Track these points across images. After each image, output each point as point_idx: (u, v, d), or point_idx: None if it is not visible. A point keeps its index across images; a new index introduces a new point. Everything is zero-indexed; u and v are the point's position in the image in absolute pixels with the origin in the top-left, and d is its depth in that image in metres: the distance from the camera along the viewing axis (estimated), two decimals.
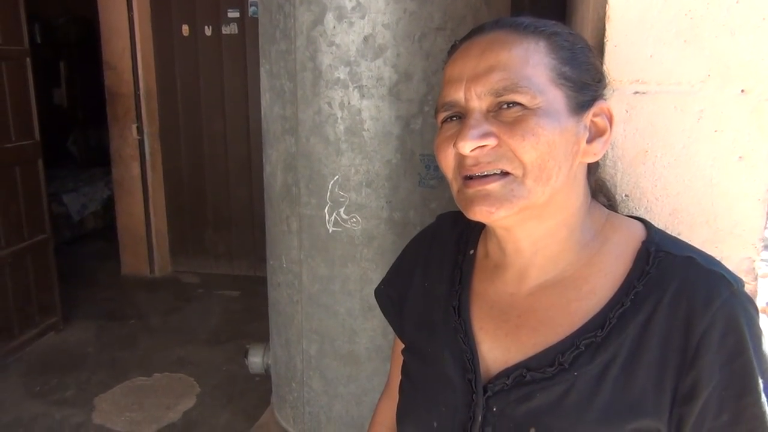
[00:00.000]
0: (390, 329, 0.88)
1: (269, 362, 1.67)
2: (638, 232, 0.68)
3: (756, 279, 0.83)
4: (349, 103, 1.22)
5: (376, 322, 1.32)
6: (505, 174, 0.61)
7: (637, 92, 0.83)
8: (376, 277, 1.22)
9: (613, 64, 0.82)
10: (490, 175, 0.62)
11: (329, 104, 1.24)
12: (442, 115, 0.67)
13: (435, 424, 0.69)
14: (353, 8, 1.18)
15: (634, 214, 0.79)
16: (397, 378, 0.81)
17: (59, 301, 3.25)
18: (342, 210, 1.28)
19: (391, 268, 0.88)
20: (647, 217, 0.80)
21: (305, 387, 1.45)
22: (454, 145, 0.62)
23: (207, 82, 3.93)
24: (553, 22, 0.66)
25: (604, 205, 0.73)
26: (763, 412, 0.58)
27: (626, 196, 0.85)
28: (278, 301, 1.50)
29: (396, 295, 0.84)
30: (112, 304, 3.66)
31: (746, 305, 0.59)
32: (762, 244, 0.83)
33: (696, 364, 0.58)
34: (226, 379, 2.78)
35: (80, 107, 6.10)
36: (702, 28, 0.79)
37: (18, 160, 2.90)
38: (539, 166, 0.61)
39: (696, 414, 0.58)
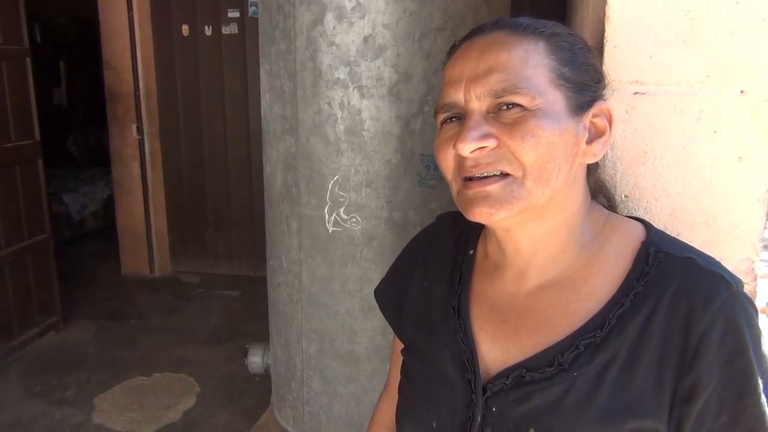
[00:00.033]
0: (390, 329, 0.88)
1: (269, 362, 1.67)
2: (638, 233, 0.68)
3: (755, 279, 0.83)
4: (349, 103, 1.23)
5: (376, 322, 1.32)
6: (504, 175, 0.61)
7: (636, 93, 0.83)
8: (376, 277, 1.22)
9: (612, 64, 0.82)
10: (490, 176, 0.62)
11: (329, 104, 1.24)
12: (442, 116, 0.67)
13: (434, 424, 0.69)
14: (353, 8, 1.18)
15: (633, 215, 0.79)
16: (396, 378, 0.81)
17: (59, 300, 3.25)
18: (342, 210, 1.28)
19: (390, 268, 0.89)
20: (647, 218, 0.80)
21: (305, 387, 1.45)
22: (454, 146, 0.62)
23: (207, 82, 3.93)
24: (553, 22, 0.66)
25: (604, 206, 0.73)
26: (763, 413, 0.58)
27: (626, 196, 0.85)
28: (278, 301, 1.50)
29: (395, 295, 0.85)
30: (112, 304, 3.66)
31: (746, 306, 0.60)
32: (761, 244, 0.83)
33: (695, 365, 0.58)
34: (226, 378, 2.78)
35: (80, 107, 6.10)
36: (701, 28, 0.79)
37: (18, 160, 2.90)
38: (539, 168, 0.61)
39: (695, 414, 0.58)
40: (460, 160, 0.64)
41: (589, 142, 0.65)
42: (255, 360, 1.71)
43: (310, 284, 1.37)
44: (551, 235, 0.67)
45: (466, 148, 0.61)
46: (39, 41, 5.39)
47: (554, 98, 0.62)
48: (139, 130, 3.92)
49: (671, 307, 0.60)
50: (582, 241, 0.68)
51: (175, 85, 3.97)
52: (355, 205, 1.27)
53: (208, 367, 2.89)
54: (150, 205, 4.07)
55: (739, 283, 0.61)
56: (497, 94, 0.61)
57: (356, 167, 1.25)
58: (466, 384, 0.67)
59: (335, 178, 1.27)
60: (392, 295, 0.85)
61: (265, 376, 1.75)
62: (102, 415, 2.50)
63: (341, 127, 1.24)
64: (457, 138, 0.62)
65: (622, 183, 0.85)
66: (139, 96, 3.89)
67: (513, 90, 0.60)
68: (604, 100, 0.68)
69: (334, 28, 1.20)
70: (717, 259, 0.65)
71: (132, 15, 3.76)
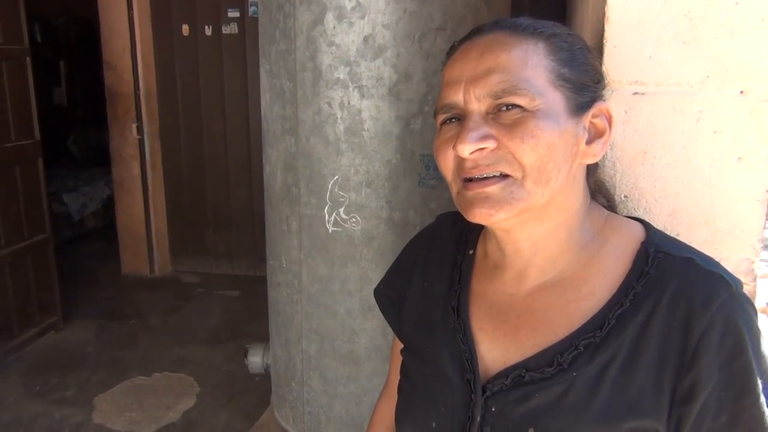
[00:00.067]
0: (389, 329, 0.88)
1: (269, 362, 1.67)
2: (637, 233, 0.68)
3: (755, 280, 0.84)
4: (349, 103, 1.23)
5: (376, 322, 1.32)
6: (504, 176, 0.62)
7: (636, 93, 0.83)
8: (376, 277, 1.22)
9: (612, 64, 0.82)
10: (490, 177, 0.62)
11: (329, 104, 1.24)
12: (441, 117, 0.67)
13: (433, 424, 0.69)
14: (353, 8, 1.18)
15: (633, 215, 0.79)
16: (396, 378, 0.81)
17: (59, 300, 3.25)
18: (342, 210, 1.28)
19: (390, 268, 0.89)
20: (646, 218, 0.80)
21: (305, 387, 1.46)
22: (454, 147, 0.62)
23: (207, 81, 3.93)
24: (552, 23, 0.66)
25: (604, 206, 0.73)
26: (762, 413, 0.58)
27: (625, 196, 0.86)
28: (278, 301, 1.50)
29: (395, 295, 0.85)
30: (112, 304, 3.66)
31: (745, 306, 0.60)
32: (761, 245, 0.83)
33: (695, 365, 0.58)
34: (226, 378, 2.78)
35: (80, 107, 6.10)
36: (701, 29, 0.79)
37: (18, 160, 2.90)
38: (538, 169, 0.61)
39: (695, 415, 0.58)
40: (460, 161, 0.63)
41: (589, 142, 0.65)
42: (255, 360, 1.71)
43: (310, 284, 1.37)
44: (551, 236, 0.67)
45: (466, 150, 0.61)
46: (39, 41, 5.39)
47: (554, 99, 0.62)
48: (139, 130, 3.92)
49: (671, 307, 0.60)
50: (582, 241, 0.68)
51: (175, 85, 3.97)
52: (355, 205, 1.27)
53: (208, 367, 2.89)
54: (150, 205, 4.07)
55: (738, 284, 0.61)
56: (497, 95, 0.61)
57: (356, 167, 1.25)
58: (465, 384, 0.67)
59: (335, 178, 1.27)
60: (392, 295, 0.85)
61: (265, 376, 1.75)
62: (102, 415, 2.50)
63: (341, 127, 1.24)
64: (456, 139, 0.62)
65: (622, 183, 0.85)
66: (139, 96, 3.89)
67: (512, 91, 0.60)
68: (604, 100, 0.68)
69: (334, 28, 1.20)
70: (716, 260, 0.65)
71: (132, 15, 3.76)
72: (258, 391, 2.62)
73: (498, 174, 0.62)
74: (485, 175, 0.62)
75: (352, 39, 1.19)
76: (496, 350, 0.68)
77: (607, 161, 0.85)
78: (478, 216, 0.63)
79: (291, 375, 1.49)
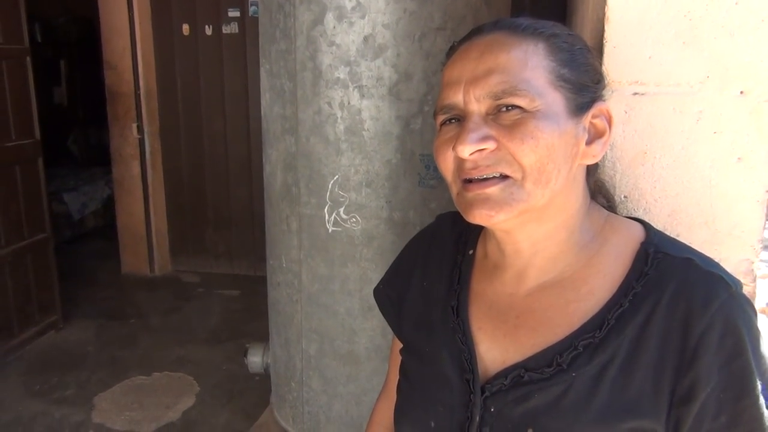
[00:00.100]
0: (389, 329, 0.88)
1: (269, 362, 1.67)
2: (637, 234, 0.68)
3: (755, 281, 0.83)
4: (349, 103, 1.23)
5: (376, 321, 1.32)
6: (504, 177, 0.61)
7: (636, 93, 0.83)
8: (376, 276, 1.22)
9: (612, 65, 0.82)
10: (490, 178, 0.62)
11: (329, 104, 1.24)
12: (441, 118, 0.67)
13: (432, 424, 0.69)
14: (353, 8, 1.18)
15: (633, 216, 0.79)
16: (395, 378, 0.81)
17: (59, 299, 3.25)
18: (342, 210, 1.28)
19: (390, 267, 0.89)
20: (646, 219, 0.80)
21: (305, 386, 1.46)
22: (453, 148, 0.62)
23: (207, 81, 3.93)
24: (552, 23, 0.66)
25: (603, 206, 0.73)
26: (762, 414, 0.58)
27: (625, 197, 0.85)
28: (278, 301, 1.50)
29: (395, 295, 0.85)
30: (112, 303, 3.66)
31: (745, 307, 0.60)
32: (761, 245, 0.83)
33: (694, 366, 0.58)
34: (226, 378, 2.78)
35: (80, 106, 6.10)
36: (701, 29, 0.79)
37: (18, 159, 2.90)
38: (538, 170, 0.61)
39: (694, 415, 0.58)
40: (460, 162, 0.63)
41: (589, 143, 0.65)
42: (255, 359, 1.71)
43: (309, 284, 1.37)
44: (551, 236, 0.67)
45: (466, 150, 0.61)
46: (39, 40, 5.38)
47: (553, 99, 0.62)
48: (140, 130, 3.92)
49: (670, 307, 0.60)
50: (581, 241, 0.68)
51: (175, 85, 3.97)
52: (355, 204, 1.27)
53: (208, 366, 2.89)
54: (150, 205, 4.07)
55: (738, 284, 0.61)
56: (496, 96, 0.61)
57: (356, 167, 1.25)
58: (464, 384, 0.67)
59: (335, 178, 1.27)
60: (391, 295, 0.85)
61: (265, 376, 1.75)
62: (102, 415, 2.50)
63: (341, 127, 1.24)
64: (456, 140, 0.62)
65: (622, 183, 0.85)
66: (139, 95, 3.89)
67: (512, 92, 0.60)
68: (604, 100, 0.67)
69: (334, 27, 1.20)
70: (716, 260, 0.65)
71: (132, 14, 3.76)
72: (258, 391, 2.62)
73: (498, 175, 0.61)
74: (485, 176, 0.62)
75: (352, 39, 1.19)
76: (495, 350, 0.68)
77: (607, 161, 0.85)
78: (478, 217, 0.62)
79: (291, 375, 1.49)
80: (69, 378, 2.78)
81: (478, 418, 0.65)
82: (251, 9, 3.72)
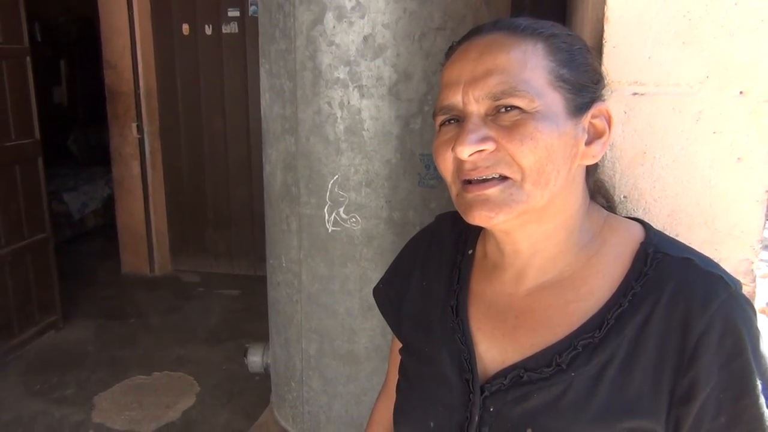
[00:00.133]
0: (389, 329, 0.88)
1: (269, 361, 1.67)
2: (637, 234, 0.68)
3: (754, 281, 0.83)
4: (348, 103, 1.23)
5: (376, 321, 1.32)
6: (503, 178, 0.61)
7: (635, 93, 0.83)
8: (376, 276, 1.22)
9: (611, 65, 0.82)
10: (489, 179, 0.62)
11: (329, 104, 1.24)
12: (440, 118, 0.67)
13: (432, 424, 0.69)
14: (353, 8, 1.18)
15: (632, 216, 0.79)
16: (394, 377, 0.81)
17: (59, 299, 3.25)
18: (341, 210, 1.28)
19: (389, 267, 0.89)
20: (646, 219, 0.80)
21: (304, 386, 1.46)
22: (453, 149, 0.62)
23: (207, 81, 3.93)
24: (552, 23, 0.66)
25: (603, 207, 0.73)
26: (762, 414, 0.58)
27: (625, 197, 0.85)
28: (278, 301, 1.50)
29: (394, 295, 0.85)
30: (112, 303, 3.66)
31: (744, 307, 0.60)
32: (760, 245, 0.83)
33: (693, 365, 0.58)
34: (226, 378, 2.78)
35: (80, 106, 6.10)
36: (701, 29, 0.79)
37: (18, 159, 2.90)
38: (538, 171, 0.61)
39: (693, 415, 0.58)
40: (459, 163, 0.63)
41: (588, 143, 0.65)
42: (255, 359, 1.71)
43: (309, 284, 1.37)
44: (550, 237, 0.67)
45: (465, 152, 0.61)
46: (39, 40, 5.38)
47: (553, 100, 0.61)
48: (140, 129, 3.92)
49: (669, 307, 0.60)
50: (581, 241, 0.68)
51: (175, 84, 3.97)
52: (354, 204, 1.27)
53: (208, 366, 2.89)
54: (150, 204, 4.07)
55: (737, 284, 0.61)
56: (495, 97, 0.61)
57: (356, 167, 1.25)
58: (463, 384, 0.67)
59: (335, 178, 1.27)
60: (391, 295, 0.85)
61: (265, 376, 1.76)
62: (102, 414, 2.50)
63: (341, 127, 1.24)
64: (455, 141, 0.62)
65: (621, 183, 0.85)
66: (139, 95, 3.89)
67: (511, 92, 0.60)
68: (603, 100, 0.67)
69: (333, 27, 1.20)
70: (716, 260, 0.65)
71: (132, 14, 3.76)
72: (258, 391, 2.62)
73: (497, 176, 0.61)
74: (484, 177, 0.62)
75: (351, 38, 1.19)
76: (494, 350, 0.68)
77: (606, 161, 0.85)
78: (477, 218, 0.62)
79: (291, 374, 1.49)
80: (69, 378, 2.78)
81: (477, 418, 0.65)
82: (251, 9, 3.72)
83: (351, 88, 1.22)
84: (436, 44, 1.19)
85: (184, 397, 2.63)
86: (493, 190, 0.61)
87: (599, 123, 0.66)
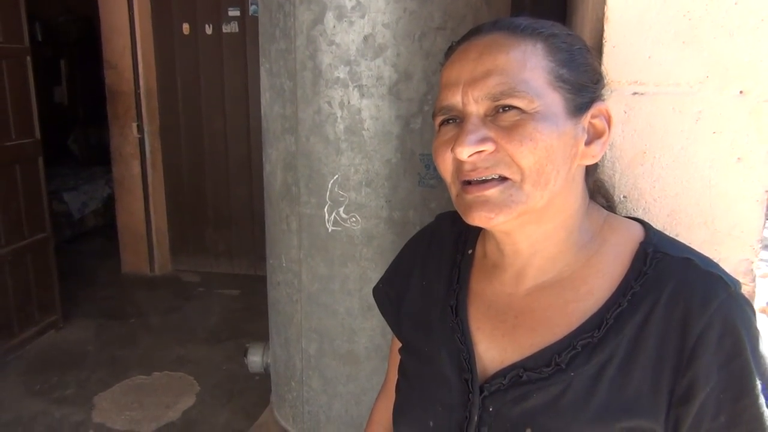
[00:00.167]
0: (389, 328, 0.88)
1: (269, 361, 1.67)
2: (636, 233, 0.68)
3: (754, 281, 0.83)
4: (348, 103, 1.23)
5: (376, 321, 1.32)
6: (503, 179, 0.61)
7: (635, 93, 0.83)
8: (376, 276, 1.22)
9: (611, 65, 0.82)
10: (489, 180, 0.62)
11: (329, 103, 1.24)
12: (440, 119, 0.67)
13: (431, 424, 0.69)
14: (353, 7, 1.18)
15: (632, 215, 0.79)
16: (394, 377, 0.81)
17: (59, 299, 3.25)
18: (342, 209, 1.28)
19: (389, 267, 0.89)
20: (645, 218, 0.80)
21: (304, 386, 1.46)
22: (452, 149, 0.62)
23: (207, 80, 3.93)
24: (551, 23, 0.66)
25: (603, 206, 0.73)
26: (762, 413, 0.58)
27: (624, 197, 0.85)
28: (278, 300, 1.50)
29: (394, 294, 0.85)
30: (112, 303, 3.66)
31: (744, 307, 0.60)
32: (760, 245, 0.83)
33: (693, 365, 0.58)
34: (226, 377, 2.79)
35: (81, 105, 6.10)
36: (701, 29, 0.79)
37: (18, 159, 2.90)
38: (537, 171, 0.61)
39: (693, 415, 0.58)
40: (459, 164, 0.63)
41: (588, 143, 0.65)
42: (255, 359, 1.71)
43: (309, 283, 1.37)
44: (550, 237, 0.67)
45: (464, 152, 0.61)
46: (39, 40, 5.38)
47: (552, 100, 0.61)
48: (140, 129, 3.92)
49: (668, 307, 0.60)
50: (580, 241, 0.68)
51: (175, 84, 3.97)
52: (354, 204, 1.27)
53: (208, 366, 2.89)
54: (150, 204, 4.07)
55: (736, 284, 0.61)
56: (495, 97, 0.61)
57: (356, 166, 1.25)
58: (463, 383, 0.67)
59: (335, 178, 1.27)
60: (391, 294, 0.85)
61: (265, 375, 1.76)
62: (102, 414, 2.50)
63: (341, 127, 1.24)
64: (455, 141, 0.62)
65: (621, 183, 0.85)
66: (139, 94, 3.89)
67: (511, 93, 0.60)
68: (603, 100, 0.67)
69: (334, 27, 1.20)
70: (715, 260, 0.65)
71: (132, 13, 3.76)
72: (258, 390, 2.62)
73: (497, 177, 0.61)
74: (484, 178, 0.62)
75: (352, 38, 1.19)
76: (494, 350, 0.68)
77: (606, 161, 0.85)
78: (477, 219, 0.62)
79: (291, 374, 1.49)
80: (69, 377, 2.78)
81: (476, 418, 0.65)
82: (251, 8, 3.72)
83: (351, 88, 1.22)
84: (436, 44, 1.19)
85: (184, 397, 2.63)
86: (492, 191, 0.61)
87: (599, 123, 0.66)
